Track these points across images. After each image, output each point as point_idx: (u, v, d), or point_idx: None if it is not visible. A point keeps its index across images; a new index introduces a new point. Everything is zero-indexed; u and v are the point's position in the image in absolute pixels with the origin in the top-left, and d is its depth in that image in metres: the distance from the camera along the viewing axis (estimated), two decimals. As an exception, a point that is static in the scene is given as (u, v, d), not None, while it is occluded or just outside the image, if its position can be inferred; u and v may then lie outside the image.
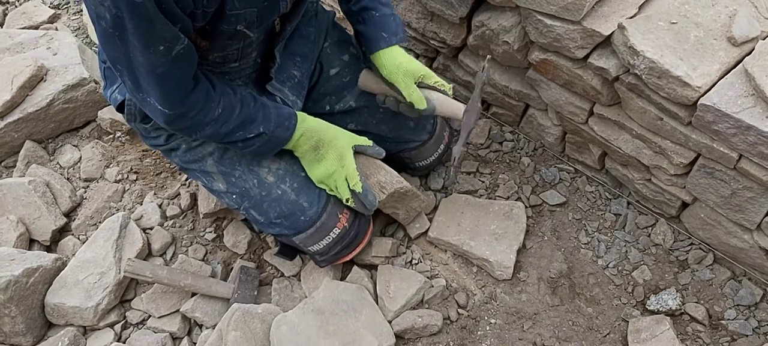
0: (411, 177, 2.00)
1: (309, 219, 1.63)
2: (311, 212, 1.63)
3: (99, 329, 1.81)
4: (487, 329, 1.75)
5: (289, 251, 1.87)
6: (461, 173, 2.04)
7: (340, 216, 1.68)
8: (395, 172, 1.74)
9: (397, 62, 1.60)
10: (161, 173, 2.18)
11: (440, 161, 2.00)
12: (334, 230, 1.67)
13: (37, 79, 2.26)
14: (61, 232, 2.03)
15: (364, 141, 1.67)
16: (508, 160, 2.08)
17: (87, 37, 2.64)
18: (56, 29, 2.69)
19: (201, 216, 1.97)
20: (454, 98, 1.67)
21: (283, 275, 1.89)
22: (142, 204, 2.08)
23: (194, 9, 1.25)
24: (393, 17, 1.64)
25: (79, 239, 2.01)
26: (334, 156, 1.61)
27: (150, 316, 1.83)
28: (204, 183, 1.71)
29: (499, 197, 1.98)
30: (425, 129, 1.86)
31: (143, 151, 2.23)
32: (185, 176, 2.13)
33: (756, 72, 1.39)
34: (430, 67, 2.24)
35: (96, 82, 2.30)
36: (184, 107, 1.38)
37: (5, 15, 2.82)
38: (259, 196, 1.63)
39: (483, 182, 2.03)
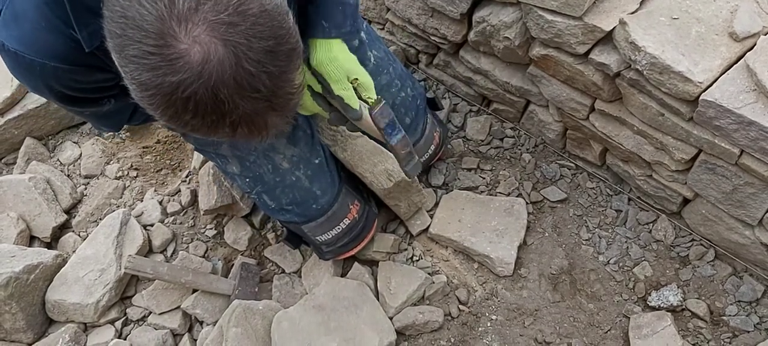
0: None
1: (321, 207, 1.64)
2: (323, 201, 1.64)
3: (99, 326, 1.81)
4: (488, 325, 1.75)
5: (294, 239, 1.88)
6: (461, 170, 2.04)
7: (351, 207, 1.69)
8: None
9: (332, 55, 1.37)
10: (161, 169, 2.18)
11: (431, 161, 1.99)
12: (344, 221, 1.68)
13: (37, 75, 2.25)
14: (62, 229, 2.03)
15: (314, 84, 1.37)
16: (508, 157, 2.07)
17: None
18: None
19: (201, 213, 1.96)
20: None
21: (283, 271, 1.89)
22: (142, 201, 2.08)
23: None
24: (342, 7, 1.40)
25: (79, 235, 2.01)
26: None
27: (151, 312, 1.83)
28: (218, 165, 1.70)
29: (499, 193, 1.98)
30: (418, 129, 1.85)
31: (143, 147, 2.23)
32: (185, 173, 2.13)
33: (758, 67, 1.39)
34: (431, 63, 2.24)
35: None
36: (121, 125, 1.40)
37: (5, 12, 2.81)
38: (272, 181, 1.62)
39: (484, 178, 2.03)
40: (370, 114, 1.34)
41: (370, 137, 1.70)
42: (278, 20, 0.80)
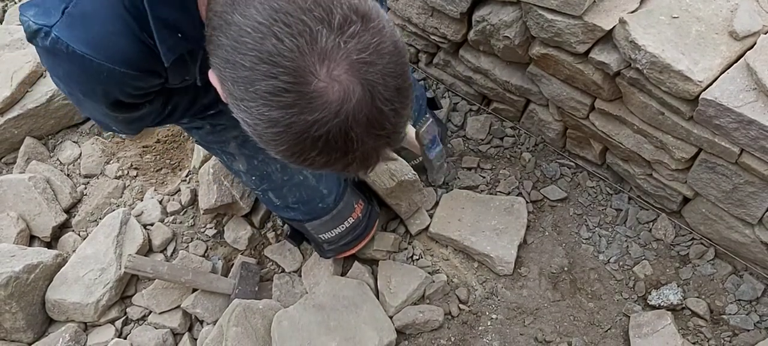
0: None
1: (327, 206, 1.64)
2: (329, 199, 1.64)
3: (100, 325, 1.81)
4: (488, 324, 1.75)
5: (296, 236, 1.89)
6: (462, 169, 2.04)
7: (356, 206, 1.70)
8: (405, 162, 1.74)
9: None
10: (161, 169, 2.18)
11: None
12: (348, 220, 1.69)
13: (36, 75, 2.25)
14: (62, 228, 2.03)
15: None
16: (508, 156, 2.07)
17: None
18: (56, 25, 2.68)
19: (201, 212, 1.96)
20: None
21: (284, 270, 1.89)
22: (142, 200, 2.08)
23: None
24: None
25: (79, 235, 2.00)
26: None
27: (151, 312, 1.83)
28: (224, 161, 1.70)
29: (499, 192, 1.98)
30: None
31: (143, 147, 2.23)
32: (185, 172, 2.13)
33: (758, 66, 1.39)
34: (431, 62, 2.24)
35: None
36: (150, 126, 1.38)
37: (4, 12, 2.81)
38: (280, 180, 1.62)
39: (484, 177, 2.03)
40: (418, 132, 1.38)
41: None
42: (403, 56, 0.78)
